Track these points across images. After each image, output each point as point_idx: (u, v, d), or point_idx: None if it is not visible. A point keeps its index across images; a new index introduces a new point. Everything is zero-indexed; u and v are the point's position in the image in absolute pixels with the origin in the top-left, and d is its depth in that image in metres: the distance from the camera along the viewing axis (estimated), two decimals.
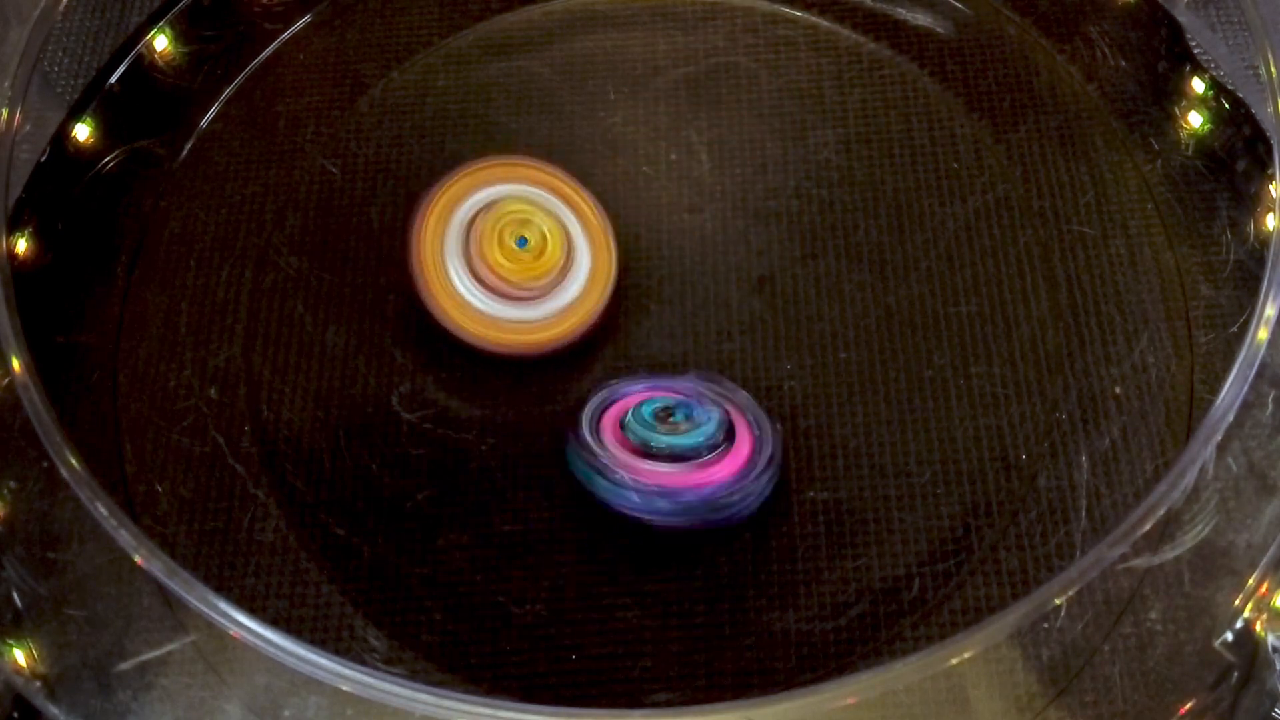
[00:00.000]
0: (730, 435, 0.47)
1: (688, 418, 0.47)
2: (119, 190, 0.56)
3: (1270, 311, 0.43)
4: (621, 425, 0.47)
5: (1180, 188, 0.54)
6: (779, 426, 0.48)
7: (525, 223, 0.51)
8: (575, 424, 0.47)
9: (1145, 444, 0.49)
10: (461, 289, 0.50)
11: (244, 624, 0.39)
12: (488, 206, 0.51)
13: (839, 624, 0.47)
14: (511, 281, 0.50)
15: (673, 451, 0.46)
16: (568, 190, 0.52)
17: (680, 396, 0.48)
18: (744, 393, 0.49)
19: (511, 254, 0.50)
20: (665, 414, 0.47)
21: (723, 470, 0.46)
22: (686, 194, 0.55)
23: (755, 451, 0.47)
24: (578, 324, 0.50)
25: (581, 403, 0.48)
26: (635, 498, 0.46)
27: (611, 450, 0.46)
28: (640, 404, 0.47)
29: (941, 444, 0.50)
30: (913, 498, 0.49)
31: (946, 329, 0.52)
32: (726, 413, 0.47)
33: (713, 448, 0.46)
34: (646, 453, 0.46)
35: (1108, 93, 0.57)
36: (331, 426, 0.51)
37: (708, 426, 0.47)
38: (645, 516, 0.46)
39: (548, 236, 0.51)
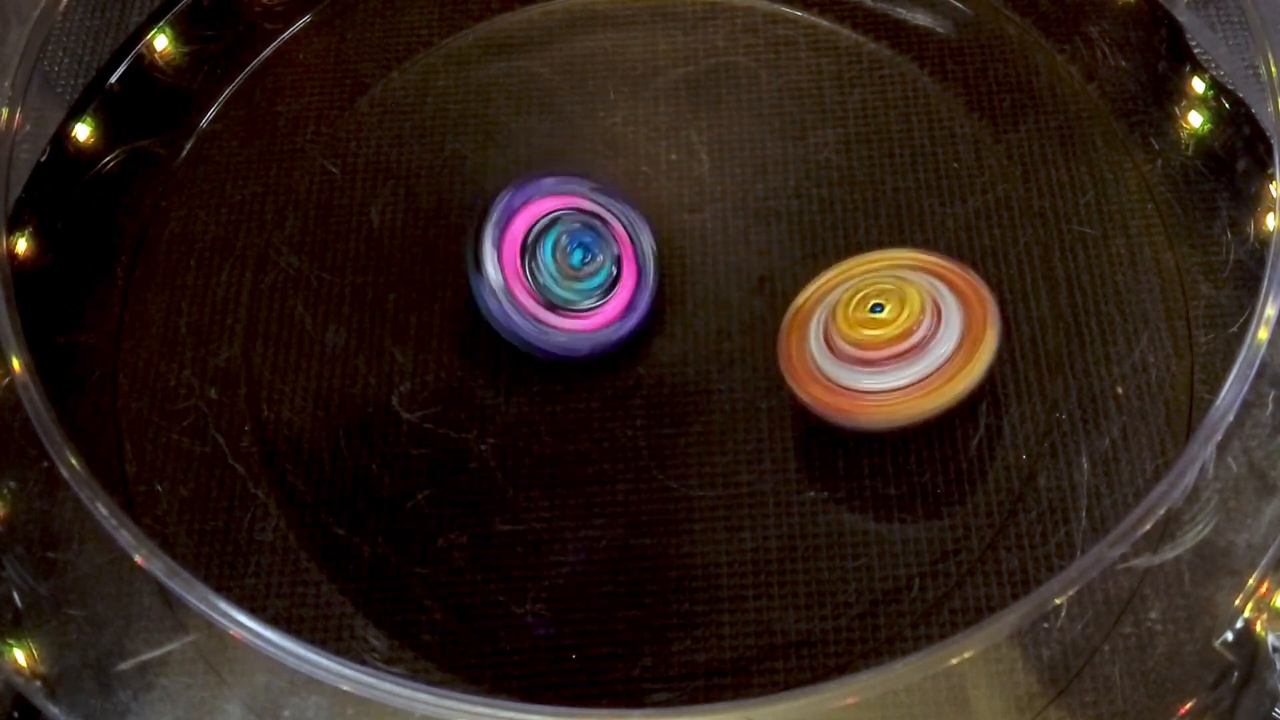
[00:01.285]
0: (615, 280, 0.50)
1: (584, 260, 0.49)
2: (119, 190, 0.56)
3: (1270, 311, 0.43)
4: (522, 257, 0.49)
5: (1180, 188, 0.54)
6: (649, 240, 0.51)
7: (881, 292, 0.47)
8: (477, 241, 0.49)
9: (1145, 444, 0.49)
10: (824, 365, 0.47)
11: (244, 624, 0.39)
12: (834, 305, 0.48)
13: (839, 624, 0.47)
14: (869, 345, 0.46)
15: (566, 304, 0.49)
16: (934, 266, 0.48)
17: (578, 224, 0.49)
18: (623, 207, 0.51)
19: (866, 321, 0.46)
20: (563, 254, 0.49)
21: (605, 316, 0.49)
22: (686, 194, 0.55)
23: (634, 293, 0.50)
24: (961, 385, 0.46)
25: (484, 213, 0.49)
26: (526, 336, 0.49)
27: (513, 292, 0.48)
28: (542, 234, 0.49)
29: (941, 444, 0.50)
30: (913, 498, 0.49)
31: None
32: (616, 254, 0.50)
33: (604, 292, 0.49)
34: (544, 301, 0.49)
35: (1108, 93, 0.57)
36: (331, 426, 0.51)
37: (599, 278, 0.49)
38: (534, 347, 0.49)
39: (904, 300, 0.46)
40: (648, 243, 0.51)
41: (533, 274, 0.49)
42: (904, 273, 0.48)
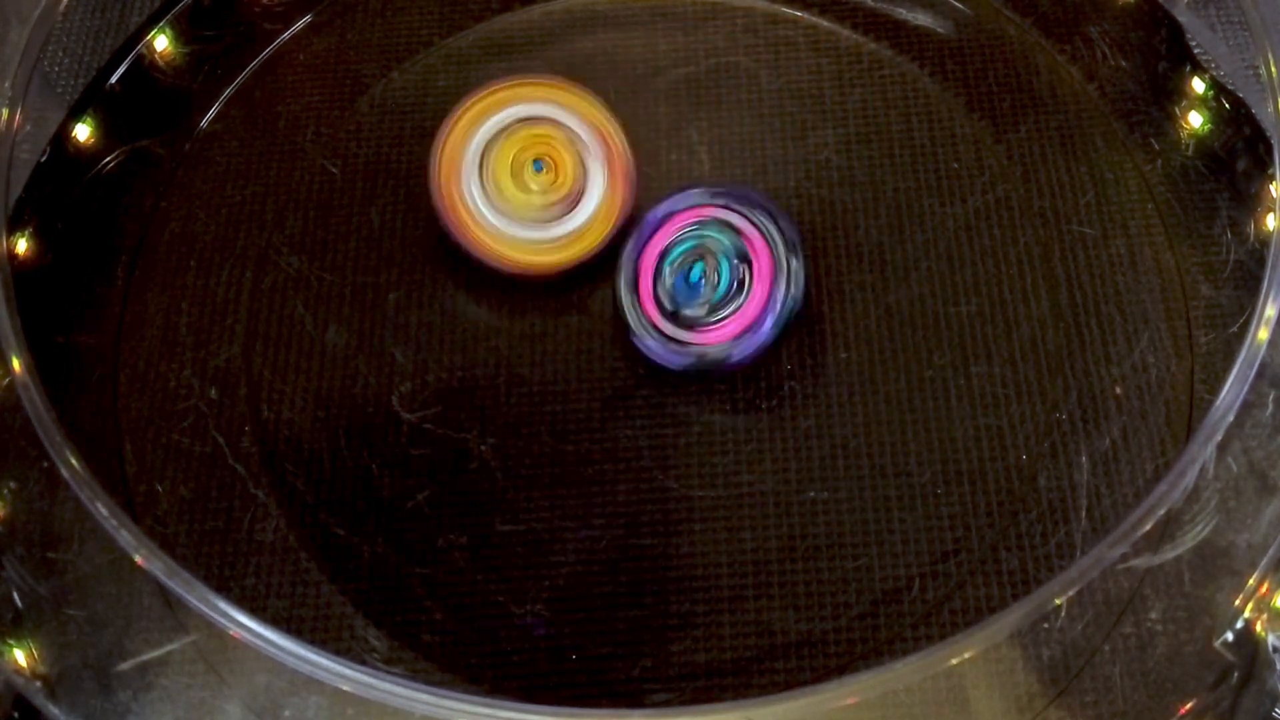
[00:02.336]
0: (743, 284, 0.49)
1: (703, 273, 0.49)
2: (119, 190, 0.56)
3: (1270, 311, 0.43)
4: (654, 279, 0.50)
5: (1180, 188, 0.54)
6: (796, 250, 0.50)
7: (544, 147, 0.52)
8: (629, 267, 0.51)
9: (1145, 444, 0.49)
10: (479, 208, 0.51)
11: (244, 624, 0.39)
12: (507, 128, 0.52)
13: (839, 624, 0.47)
14: (525, 205, 0.51)
15: (690, 320, 0.49)
16: (589, 110, 0.52)
17: (698, 239, 0.50)
18: (764, 215, 0.50)
19: (528, 180, 0.51)
20: (685, 271, 0.49)
21: (731, 328, 0.49)
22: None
23: (766, 303, 0.49)
24: (588, 248, 0.51)
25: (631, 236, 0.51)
26: (660, 351, 0.50)
27: (645, 309, 0.50)
28: (663, 255, 0.50)
29: (941, 444, 0.50)
30: (913, 498, 0.49)
31: (946, 329, 0.52)
32: (742, 255, 0.49)
33: (726, 303, 0.49)
34: (670, 315, 0.49)
35: (1108, 93, 0.57)
36: (331, 426, 0.51)
37: (721, 285, 0.49)
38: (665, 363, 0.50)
39: (562, 162, 0.52)
40: (779, 236, 0.50)
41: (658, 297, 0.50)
42: (559, 112, 0.52)
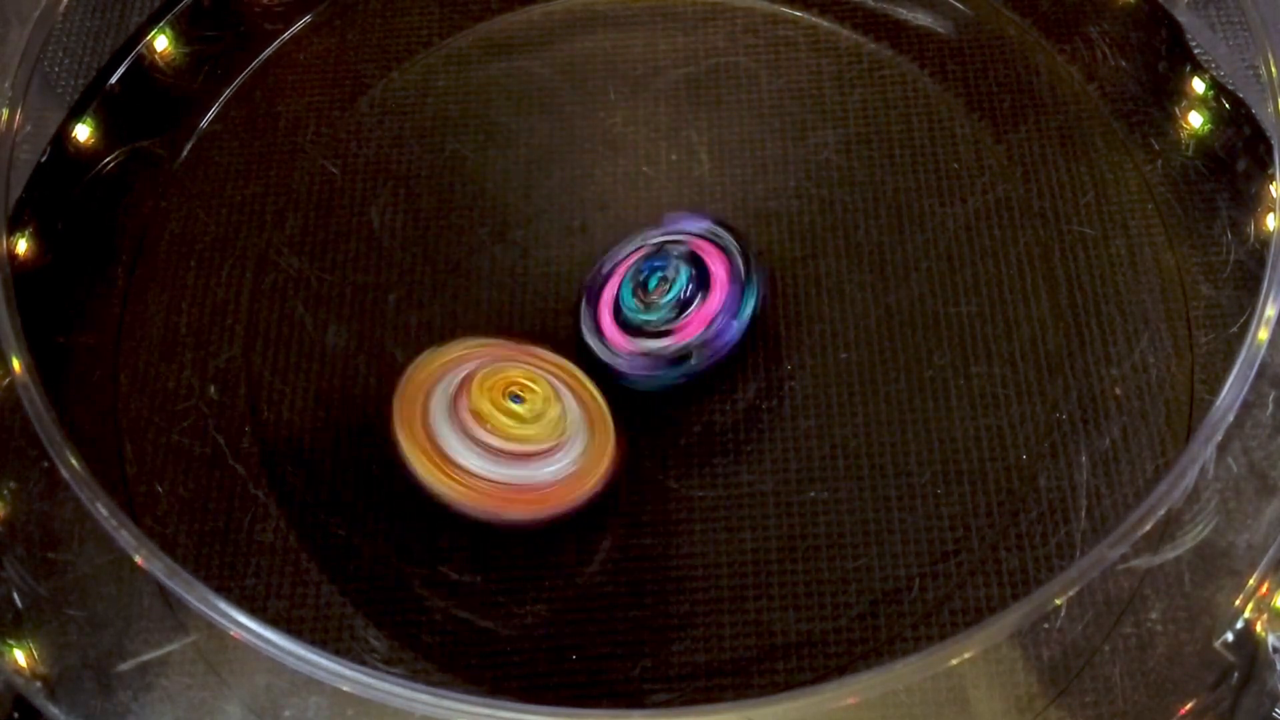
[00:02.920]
0: (704, 282, 0.49)
1: (661, 280, 0.49)
2: (119, 190, 0.56)
3: (1270, 311, 0.43)
4: (614, 312, 0.49)
5: (1180, 188, 0.54)
6: (753, 259, 0.50)
7: (522, 386, 0.46)
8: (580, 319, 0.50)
9: (1145, 444, 0.49)
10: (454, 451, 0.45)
11: (244, 624, 0.39)
12: (470, 377, 0.47)
13: (839, 624, 0.47)
14: (511, 437, 0.45)
15: (652, 326, 0.48)
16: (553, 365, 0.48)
17: (648, 257, 0.49)
18: (718, 230, 0.50)
19: (508, 411, 0.46)
20: (642, 288, 0.49)
21: (695, 324, 0.48)
22: (686, 194, 0.55)
23: (726, 296, 0.48)
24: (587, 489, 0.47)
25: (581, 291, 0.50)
26: (630, 368, 0.49)
27: (611, 341, 0.49)
28: (621, 284, 0.49)
29: (941, 444, 0.50)
30: (913, 498, 0.49)
31: (946, 329, 0.52)
32: (694, 259, 0.49)
33: (686, 304, 0.48)
34: (638, 332, 0.48)
35: (1108, 93, 0.57)
36: (331, 426, 0.51)
37: (676, 287, 0.48)
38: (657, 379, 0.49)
39: (544, 404, 0.46)
40: (723, 231, 0.50)
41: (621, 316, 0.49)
42: (542, 370, 0.47)
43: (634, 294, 0.49)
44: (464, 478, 0.45)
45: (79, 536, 0.47)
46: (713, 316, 0.48)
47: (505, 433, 0.45)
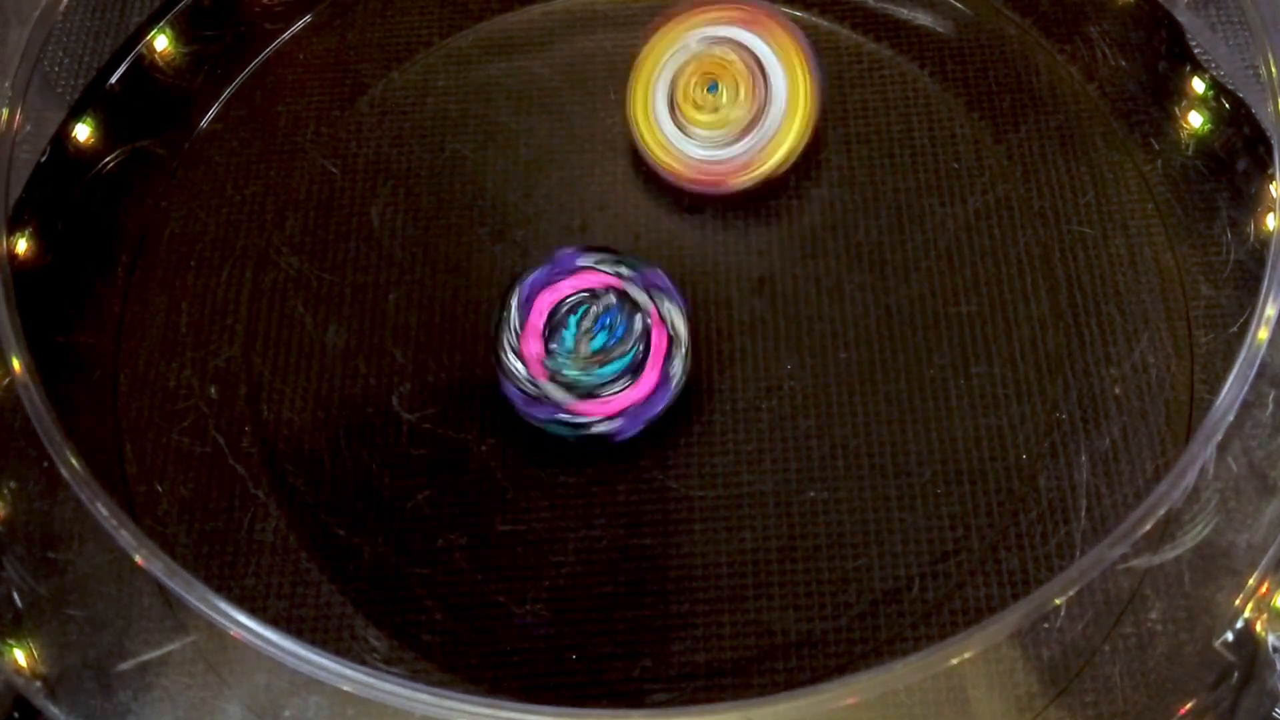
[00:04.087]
0: (638, 369, 0.48)
1: (605, 343, 0.48)
2: (119, 190, 0.56)
3: (1270, 311, 0.43)
4: (546, 346, 0.48)
5: (1180, 188, 0.54)
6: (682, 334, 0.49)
7: (720, 71, 0.53)
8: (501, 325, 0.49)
9: (1145, 444, 0.49)
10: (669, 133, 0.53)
11: (244, 624, 0.39)
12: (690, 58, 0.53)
13: (839, 624, 0.47)
14: (705, 126, 0.52)
15: (585, 388, 0.47)
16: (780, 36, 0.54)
17: (574, 298, 0.49)
18: (664, 299, 0.49)
19: (705, 101, 0.53)
20: (586, 336, 0.48)
21: (618, 404, 0.48)
22: (686, 194, 0.55)
23: (654, 389, 0.48)
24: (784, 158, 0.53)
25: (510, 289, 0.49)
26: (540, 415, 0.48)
27: (529, 370, 0.48)
28: (567, 317, 0.48)
29: (941, 444, 0.50)
30: (913, 498, 0.49)
31: (946, 329, 0.52)
32: (644, 344, 0.48)
33: (622, 380, 0.48)
34: (561, 382, 0.47)
35: (1108, 93, 0.57)
36: (331, 426, 0.51)
37: (619, 364, 0.48)
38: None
39: (739, 83, 0.52)
40: (678, 318, 0.49)
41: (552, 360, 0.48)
42: (735, 30, 0.53)
43: (574, 343, 0.48)
44: (682, 160, 0.53)
45: (79, 536, 0.47)
46: (634, 404, 0.48)
47: (714, 124, 0.52)
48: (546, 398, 0.48)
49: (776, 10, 0.54)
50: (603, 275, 0.49)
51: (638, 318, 0.48)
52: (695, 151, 0.52)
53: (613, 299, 0.48)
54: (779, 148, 0.52)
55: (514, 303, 0.49)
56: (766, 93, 0.52)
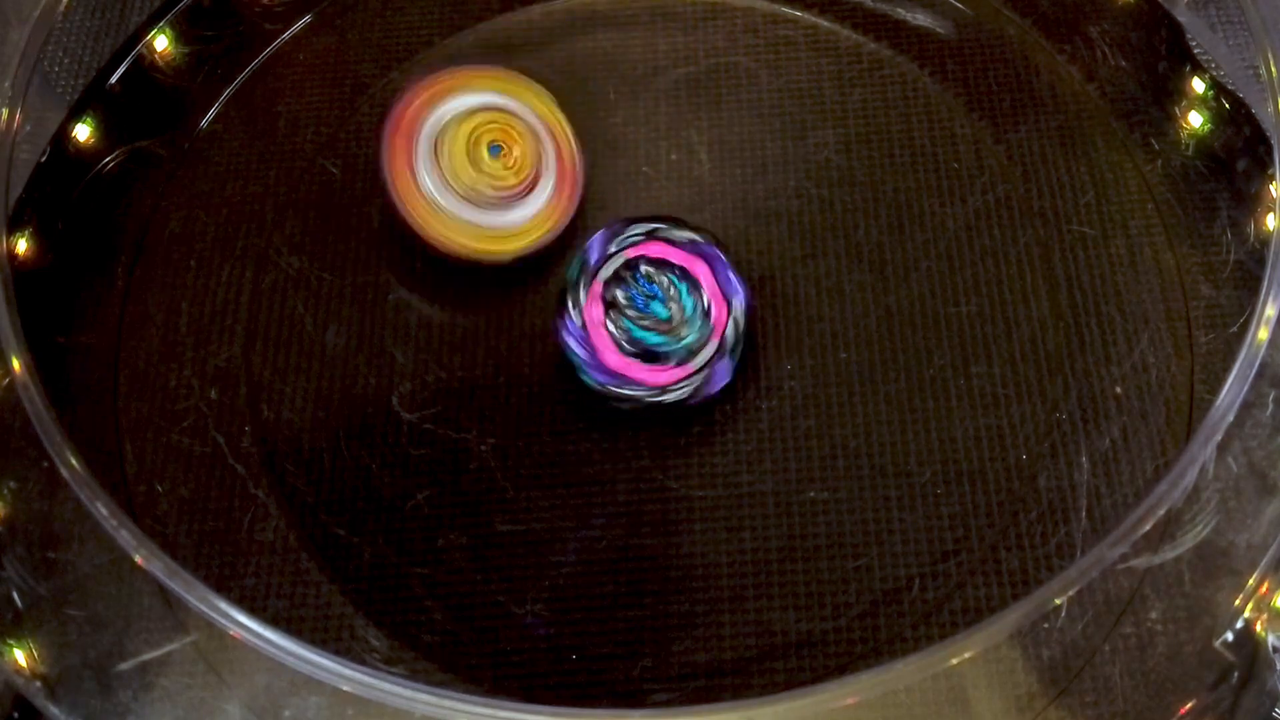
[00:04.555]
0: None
1: (674, 305, 0.48)
2: (119, 190, 0.56)
3: (1270, 311, 0.43)
4: (610, 301, 0.49)
5: (1180, 188, 0.54)
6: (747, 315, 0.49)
7: (500, 132, 0.52)
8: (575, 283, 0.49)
9: (1145, 444, 0.49)
10: (433, 193, 0.51)
11: (244, 624, 0.39)
12: (456, 118, 0.51)
13: (839, 624, 0.47)
14: (484, 187, 0.51)
15: (646, 350, 0.48)
16: (531, 98, 0.53)
17: (677, 274, 0.49)
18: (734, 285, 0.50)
19: (484, 162, 0.51)
20: (649, 296, 0.49)
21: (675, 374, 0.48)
22: (686, 194, 0.55)
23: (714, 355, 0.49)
24: (546, 233, 0.52)
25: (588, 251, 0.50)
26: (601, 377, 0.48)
27: (590, 331, 0.48)
28: (636, 272, 0.49)
29: (941, 444, 0.50)
30: (913, 498, 0.49)
31: (946, 329, 0.52)
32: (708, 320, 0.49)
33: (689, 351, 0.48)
34: (621, 345, 0.48)
35: (1108, 93, 0.57)
36: (331, 426, 0.51)
37: (690, 338, 0.48)
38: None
39: (519, 144, 0.51)
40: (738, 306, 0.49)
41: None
42: (510, 102, 0.52)
43: (642, 297, 0.49)
44: (445, 221, 0.51)
45: (79, 536, 0.47)
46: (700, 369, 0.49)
47: (481, 184, 0.51)
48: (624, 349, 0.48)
49: (522, 75, 0.53)
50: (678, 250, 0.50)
51: (703, 303, 0.49)
52: (471, 216, 0.51)
53: (675, 275, 0.49)
54: (552, 213, 0.52)
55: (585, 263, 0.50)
56: (543, 153, 0.52)
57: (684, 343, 0.48)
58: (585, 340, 0.48)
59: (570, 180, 0.53)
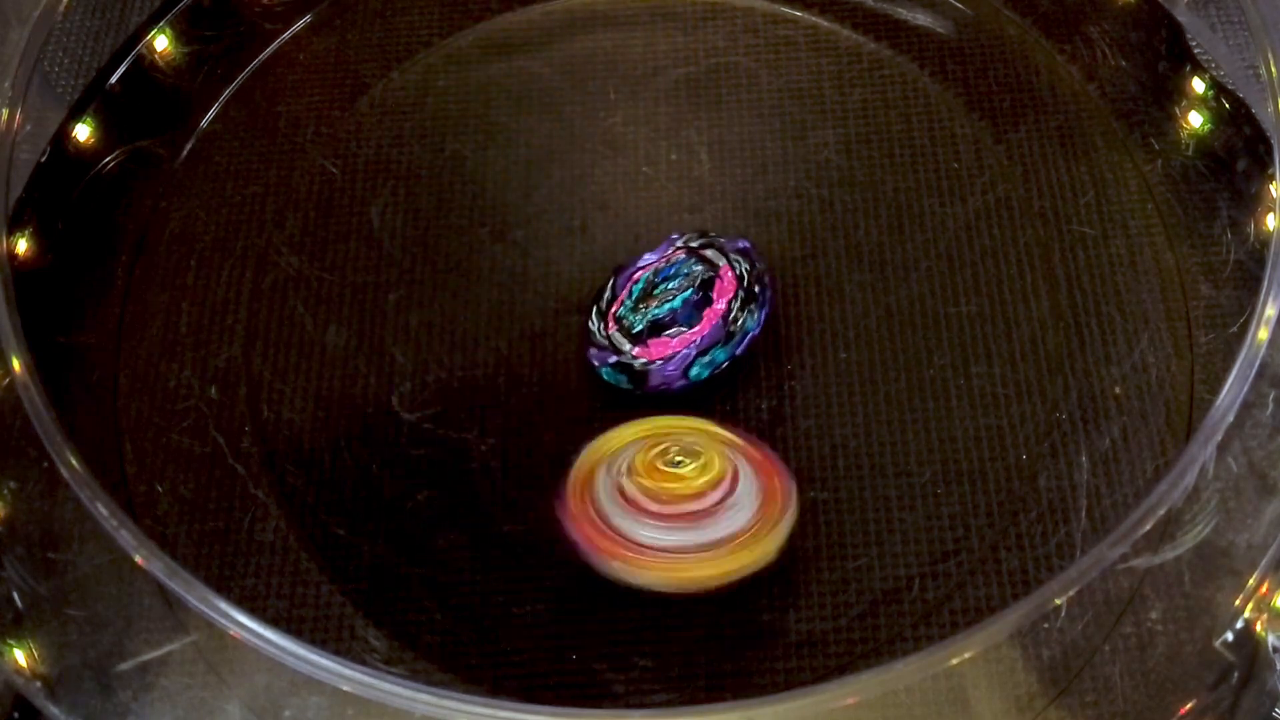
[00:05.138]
0: (708, 290, 0.49)
1: (665, 284, 0.50)
2: (119, 190, 0.56)
3: (1270, 311, 0.43)
4: (618, 319, 0.50)
5: (1180, 188, 0.54)
6: (760, 270, 0.50)
7: (684, 449, 0.46)
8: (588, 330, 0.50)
9: (1145, 444, 0.49)
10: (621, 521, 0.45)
11: (244, 624, 0.39)
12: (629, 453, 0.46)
13: (839, 624, 0.47)
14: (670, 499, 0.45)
15: (652, 322, 0.49)
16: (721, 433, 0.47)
17: (656, 265, 0.50)
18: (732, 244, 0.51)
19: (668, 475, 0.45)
20: (646, 295, 0.50)
21: (673, 347, 0.49)
22: (686, 194, 0.55)
23: (729, 303, 0.49)
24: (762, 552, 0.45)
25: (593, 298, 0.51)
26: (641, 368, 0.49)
27: (615, 340, 0.49)
28: (630, 290, 0.50)
29: (941, 444, 0.50)
30: (913, 498, 0.49)
31: (946, 329, 0.52)
32: (701, 268, 0.49)
33: (693, 306, 0.49)
34: (636, 337, 0.49)
35: (1108, 93, 0.57)
36: (331, 426, 0.51)
37: (679, 295, 0.49)
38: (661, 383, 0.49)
39: (707, 461, 0.45)
40: (753, 275, 0.50)
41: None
42: (705, 439, 0.46)
43: (637, 302, 0.49)
44: (641, 551, 0.44)
45: (79, 536, 0.47)
46: (687, 345, 0.49)
47: (674, 495, 0.45)
48: (610, 345, 0.49)
49: (764, 447, 0.47)
50: (684, 250, 0.50)
51: (695, 263, 0.49)
52: (630, 527, 0.44)
53: (681, 255, 0.49)
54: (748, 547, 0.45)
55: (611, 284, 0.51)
56: (736, 487, 0.45)
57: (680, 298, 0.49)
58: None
59: (766, 469, 0.46)
